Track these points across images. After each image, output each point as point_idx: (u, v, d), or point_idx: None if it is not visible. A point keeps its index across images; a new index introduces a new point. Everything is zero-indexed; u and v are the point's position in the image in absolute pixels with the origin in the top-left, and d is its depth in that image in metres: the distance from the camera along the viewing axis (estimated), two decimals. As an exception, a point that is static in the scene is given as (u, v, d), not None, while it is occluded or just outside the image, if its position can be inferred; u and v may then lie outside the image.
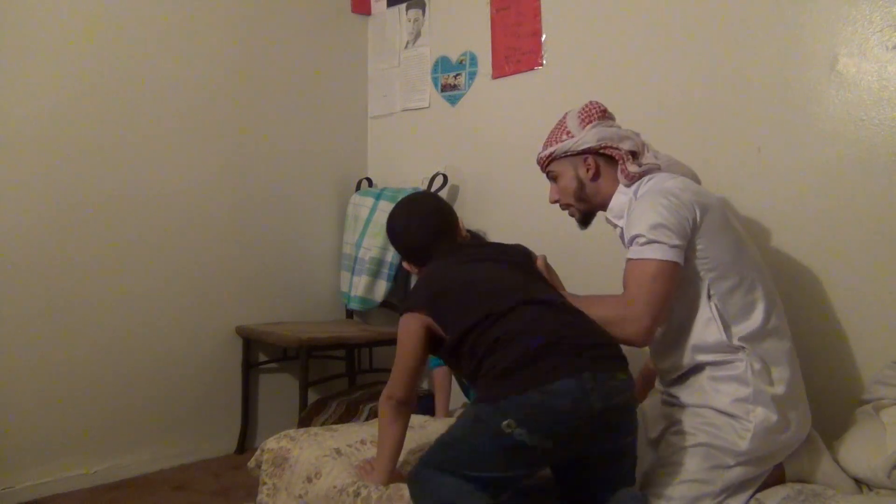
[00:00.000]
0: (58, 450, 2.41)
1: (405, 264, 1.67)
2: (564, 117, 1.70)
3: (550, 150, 1.68)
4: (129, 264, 2.57)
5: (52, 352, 2.40)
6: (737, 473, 1.40)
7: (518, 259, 1.55)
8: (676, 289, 1.45)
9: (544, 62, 2.61)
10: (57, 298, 2.41)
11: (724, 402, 1.43)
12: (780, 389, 1.43)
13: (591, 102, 1.69)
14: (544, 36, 2.61)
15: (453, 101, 2.95)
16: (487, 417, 1.25)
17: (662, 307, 1.41)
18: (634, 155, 1.61)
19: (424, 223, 1.59)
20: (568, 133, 1.66)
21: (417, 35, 3.11)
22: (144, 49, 2.61)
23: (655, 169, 1.60)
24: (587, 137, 1.63)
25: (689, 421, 1.46)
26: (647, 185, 1.57)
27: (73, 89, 2.44)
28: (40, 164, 2.37)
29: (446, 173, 2.89)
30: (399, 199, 2.83)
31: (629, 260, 1.46)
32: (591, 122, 1.65)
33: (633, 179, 1.59)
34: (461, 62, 2.92)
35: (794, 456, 1.51)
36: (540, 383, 1.22)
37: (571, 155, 1.65)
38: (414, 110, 3.12)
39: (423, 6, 3.09)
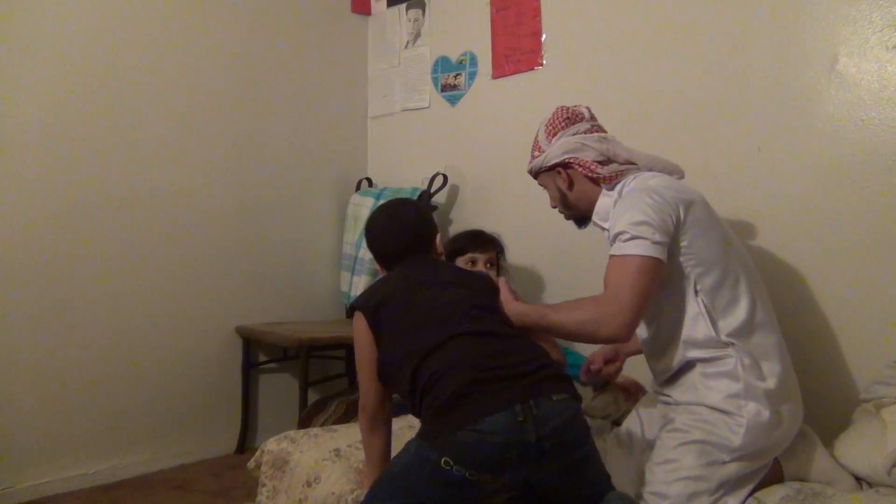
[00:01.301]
0: (58, 450, 2.41)
1: (376, 265, 1.66)
2: (538, 130, 1.72)
3: (528, 167, 1.74)
4: (129, 264, 2.57)
5: (52, 352, 2.40)
6: (732, 469, 1.40)
7: (476, 285, 1.52)
8: (659, 285, 1.45)
9: (544, 62, 2.61)
10: (57, 298, 2.41)
11: (717, 399, 1.43)
12: (771, 384, 1.44)
13: (557, 110, 1.69)
14: (544, 36, 2.61)
15: (453, 101, 2.95)
16: (426, 454, 1.26)
17: (644, 303, 1.41)
18: (600, 163, 1.62)
19: (402, 233, 1.58)
20: (539, 149, 1.70)
21: (417, 35, 3.11)
22: (144, 49, 2.61)
23: (633, 169, 1.61)
24: (554, 152, 1.65)
25: (682, 418, 1.47)
26: (631, 184, 1.58)
27: (73, 89, 2.44)
28: (39, 164, 2.37)
29: (446, 173, 2.89)
30: (398, 199, 2.84)
31: (612, 256, 1.46)
32: (556, 133, 1.66)
33: (610, 181, 1.61)
34: (461, 62, 2.92)
35: (791, 454, 1.51)
36: (471, 421, 1.23)
37: (546, 170, 1.69)
38: (414, 110, 3.12)
39: (423, 6, 3.09)
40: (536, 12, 2.62)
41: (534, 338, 1.48)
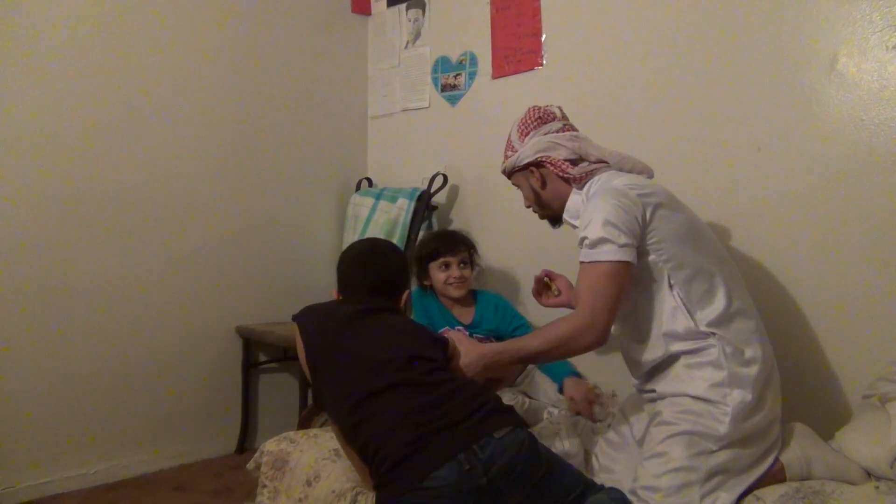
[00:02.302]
0: (58, 450, 2.42)
1: (334, 290, 1.65)
2: (510, 131, 1.74)
3: (502, 167, 1.76)
4: (129, 264, 2.57)
5: (52, 351, 2.40)
6: (722, 458, 1.40)
7: (420, 336, 1.49)
8: (632, 283, 1.48)
9: (544, 62, 2.61)
10: (57, 298, 2.41)
11: (701, 388, 1.45)
12: (754, 370, 1.46)
13: (529, 110, 1.72)
14: (544, 36, 2.61)
15: (453, 101, 2.95)
16: None
17: (615, 307, 1.45)
18: (572, 162, 1.64)
19: (377, 271, 1.57)
20: (512, 149, 1.72)
21: (417, 35, 3.11)
22: (145, 49, 2.61)
23: (603, 167, 1.62)
24: (526, 151, 1.68)
25: (668, 410, 1.48)
26: (595, 185, 1.60)
27: (73, 87, 2.44)
28: (38, 162, 2.37)
29: (446, 173, 2.89)
30: (398, 199, 2.84)
31: (581, 263, 1.48)
32: (528, 133, 1.69)
33: (579, 181, 1.62)
34: (461, 62, 2.92)
35: (791, 453, 1.52)
36: (419, 480, 1.23)
37: (519, 169, 1.71)
38: (414, 110, 3.12)
39: (423, 6, 3.09)
40: (536, 12, 2.62)
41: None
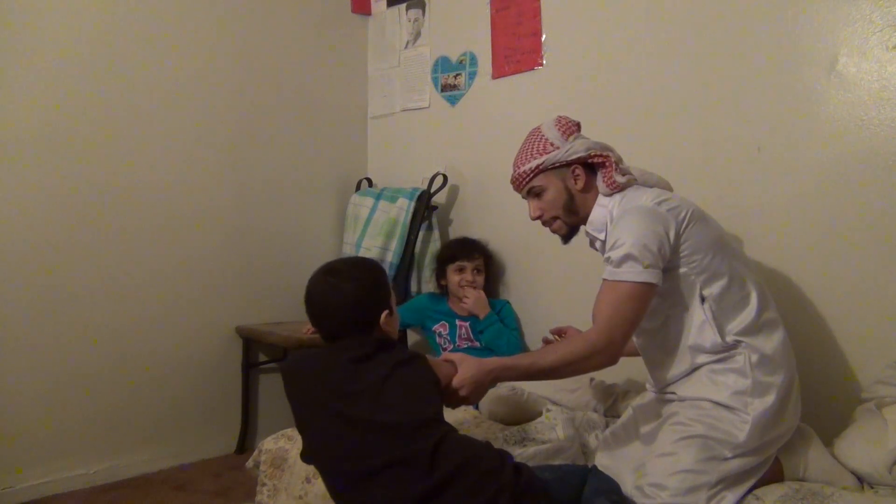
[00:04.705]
0: (58, 450, 2.41)
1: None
2: (539, 131, 1.68)
3: (537, 161, 1.64)
4: (129, 265, 2.57)
5: (52, 352, 2.40)
6: (735, 465, 1.40)
7: (419, 383, 1.29)
8: (662, 297, 1.47)
9: (544, 62, 2.61)
10: (57, 298, 2.41)
11: (724, 395, 1.44)
12: (777, 380, 1.45)
13: (562, 117, 1.69)
14: (544, 36, 2.61)
15: (453, 101, 2.95)
16: None
17: (633, 330, 1.44)
18: (619, 165, 1.62)
19: (336, 315, 1.36)
20: (551, 144, 1.64)
21: (417, 35, 3.11)
22: (144, 48, 2.61)
23: (633, 182, 1.61)
24: (576, 147, 1.62)
25: (686, 413, 1.47)
26: (622, 203, 1.57)
27: (73, 87, 2.44)
28: (39, 165, 2.37)
29: (446, 173, 2.89)
30: (398, 199, 2.84)
31: (604, 281, 1.47)
32: (572, 133, 1.66)
33: (615, 189, 1.60)
34: (461, 62, 2.92)
35: (791, 453, 1.52)
36: None
37: (559, 166, 1.63)
38: (414, 110, 3.12)
39: (423, 6, 3.09)
40: (536, 12, 2.62)
41: None
